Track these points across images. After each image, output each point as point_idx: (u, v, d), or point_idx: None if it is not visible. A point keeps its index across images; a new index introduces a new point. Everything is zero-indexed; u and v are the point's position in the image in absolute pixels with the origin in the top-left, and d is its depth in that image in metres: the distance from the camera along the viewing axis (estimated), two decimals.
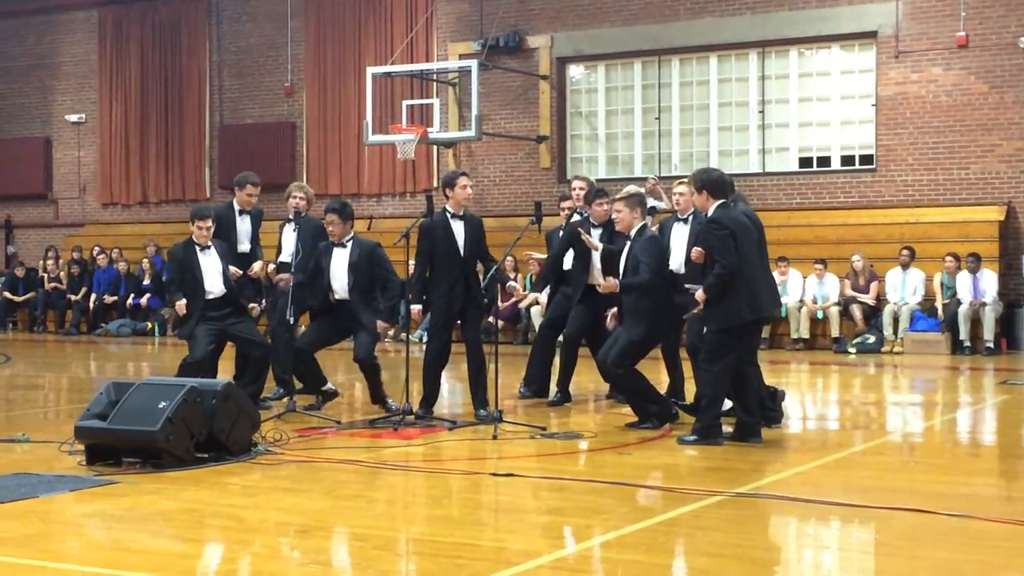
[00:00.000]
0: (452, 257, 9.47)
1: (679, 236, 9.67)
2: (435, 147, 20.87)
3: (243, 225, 10.61)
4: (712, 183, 8.45)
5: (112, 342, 20.05)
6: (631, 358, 9.01)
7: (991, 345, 16.20)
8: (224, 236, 10.25)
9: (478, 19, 20.64)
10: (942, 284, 16.74)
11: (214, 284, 9.85)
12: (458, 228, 9.49)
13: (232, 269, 10.08)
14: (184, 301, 9.75)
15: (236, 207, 10.61)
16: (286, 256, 10.33)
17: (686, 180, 9.32)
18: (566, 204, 10.91)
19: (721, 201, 8.40)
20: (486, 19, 20.45)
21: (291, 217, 10.41)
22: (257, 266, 10.52)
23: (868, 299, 17.01)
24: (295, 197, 10.66)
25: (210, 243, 9.93)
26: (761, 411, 8.64)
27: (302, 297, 9.94)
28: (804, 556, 5.65)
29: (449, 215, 9.53)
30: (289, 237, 10.40)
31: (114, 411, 7.41)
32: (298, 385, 10.24)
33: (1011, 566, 5.21)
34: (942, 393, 12.73)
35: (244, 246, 10.59)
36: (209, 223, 9.92)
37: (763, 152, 19.18)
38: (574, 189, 10.94)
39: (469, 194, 9.60)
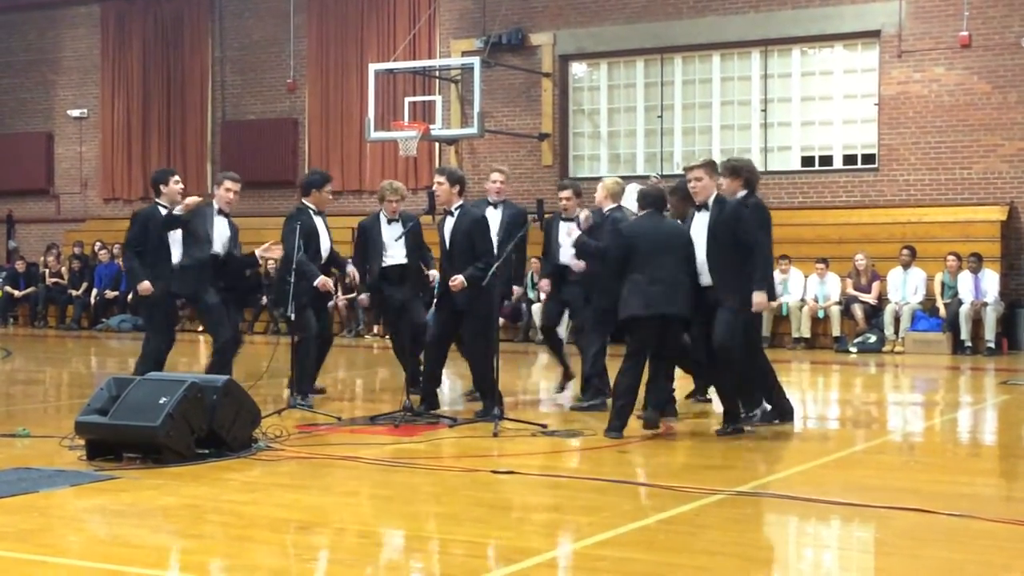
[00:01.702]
0: (442, 253, 9.52)
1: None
2: (437, 144, 20.86)
3: (219, 227, 10.13)
4: (744, 171, 8.78)
5: (113, 337, 20.06)
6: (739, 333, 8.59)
7: (992, 345, 16.19)
8: (200, 232, 9.98)
9: (481, 16, 20.63)
10: (943, 284, 16.73)
11: (176, 252, 9.86)
12: (448, 224, 9.48)
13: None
14: (147, 284, 9.72)
15: (215, 206, 10.16)
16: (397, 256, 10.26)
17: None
18: (564, 195, 10.79)
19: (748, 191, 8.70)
20: (489, 16, 20.44)
21: (391, 218, 10.34)
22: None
23: (869, 298, 17.00)
24: (391, 201, 10.41)
25: (177, 209, 9.91)
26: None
27: (302, 292, 9.97)
28: (804, 555, 5.64)
29: (444, 211, 9.55)
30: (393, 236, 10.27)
31: (115, 406, 7.40)
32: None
33: (1012, 566, 5.21)
34: (943, 393, 12.72)
35: (216, 247, 10.06)
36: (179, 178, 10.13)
37: (765, 151, 19.17)
38: (495, 182, 10.76)
39: (435, 190, 9.51)
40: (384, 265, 10.29)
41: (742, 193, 9.00)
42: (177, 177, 10.15)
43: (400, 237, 10.11)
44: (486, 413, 9.17)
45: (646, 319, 8.46)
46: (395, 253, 10.27)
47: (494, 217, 10.51)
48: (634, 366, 8.52)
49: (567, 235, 10.27)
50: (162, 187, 10.14)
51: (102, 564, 5.13)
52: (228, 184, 10.24)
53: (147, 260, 9.91)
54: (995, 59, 17.56)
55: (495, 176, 10.80)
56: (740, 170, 9.09)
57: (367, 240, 10.40)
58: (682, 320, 8.62)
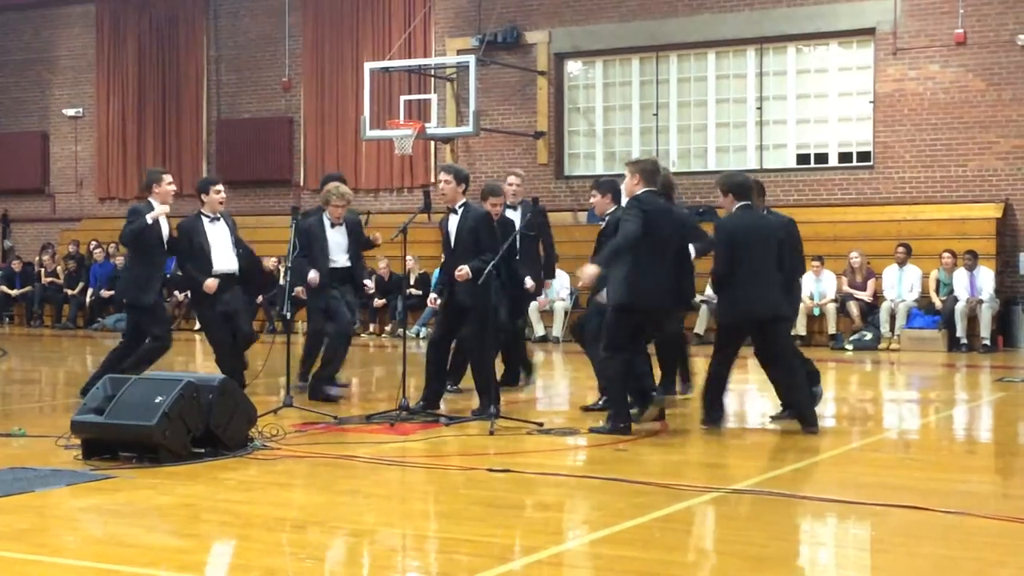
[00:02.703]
0: (446, 251, 9.52)
1: None
2: (432, 143, 20.86)
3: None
4: (736, 186, 8.76)
5: (109, 337, 20.01)
6: None
7: (987, 342, 16.21)
8: (199, 246, 10.06)
9: (476, 14, 20.63)
10: (939, 281, 16.75)
11: (223, 260, 9.92)
12: (452, 223, 9.49)
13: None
14: (214, 281, 9.89)
15: (208, 214, 10.23)
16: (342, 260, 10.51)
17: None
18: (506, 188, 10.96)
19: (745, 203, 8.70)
20: (484, 14, 20.44)
21: (334, 222, 10.52)
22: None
23: (865, 296, 17.02)
24: (337, 206, 10.55)
25: (220, 214, 10.02)
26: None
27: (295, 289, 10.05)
28: (800, 552, 5.65)
29: (447, 209, 9.56)
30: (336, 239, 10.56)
31: (111, 406, 7.40)
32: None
33: (1007, 563, 5.21)
34: (938, 390, 12.73)
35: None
36: (222, 187, 10.12)
37: (761, 149, 19.18)
38: (511, 185, 11.02)
39: (441, 188, 9.54)
40: (330, 267, 10.49)
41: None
42: (219, 186, 10.18)
43: (356, 259, 10.56)
44: (482, 411, 9.17)
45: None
46: (339, 257, 10.53)
47: (514, 218, 10.79)
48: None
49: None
50: (203, 196, 10.17)
51: (98, 564, 5.13)
52: (218, 187, 10.26)
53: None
54: (990, 56, 17.58)
55: (511, 179, 11.10)
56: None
57: (310, 242, 10.48)
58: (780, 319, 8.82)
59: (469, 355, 9.66)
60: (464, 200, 9.52)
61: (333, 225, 10.53)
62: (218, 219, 10.16)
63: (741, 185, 8.82)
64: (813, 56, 19.06)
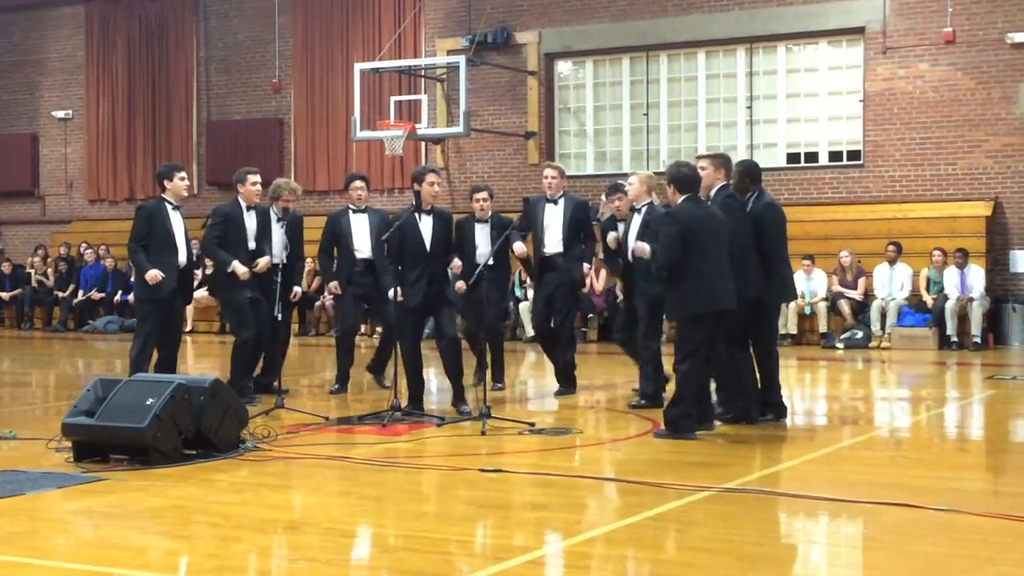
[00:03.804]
0: (417, 252, 9.43)
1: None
2: (423, 143, 20.85)
3: (250, 222, 10.38)
4: (680, 178, 8.49)
5: (99, 339, 20.00)
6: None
7: (978, 340, 16.24)
8: (163, 232, 9.72)
9: (466, 15, 20.62)
10: (929, 279, 16.79)
11: (184, 252, 9.73)
12: (425, 224, 9.47)
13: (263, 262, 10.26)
14: (157, 272, 9.45)
15: (243, 204, 10.37)
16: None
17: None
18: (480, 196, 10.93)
19: (688, 195, 8.45)
20: (474, 15, 20.43)
21: (280, 216, 10.49)
22: (263, 261, 10.22)
23: (856, 294, 17.05)
24: (288, 200, 10.62)
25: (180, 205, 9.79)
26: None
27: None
28: (793, 551, 5.66)
29: (417, 208, 9.53)
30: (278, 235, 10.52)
31: (101, 408, 7.39)
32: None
33: (998, 560, 5.23)
34: (929, 388, 12.75)
35: (251, 243, 10.35)
36: (185, 174, 9.86)
37: (751, 148, 19.19)
38: (546, 178, 10.96)
39: (436, 191, 9.54)
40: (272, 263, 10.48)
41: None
42: (183, 173, 9.94)
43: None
44: (468, 412, 9.28)
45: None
46: (279, 252, 10.50)
47: (556, 213, 10.78)
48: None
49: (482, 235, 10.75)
50: (166, 182, 9.92)
51: (90, 566, 5.12)
52: (183, 174, 9.90)
53: (151, 256, 9.67)
54: (979, 55, 17.62)
55: (548, 172, 11.04)
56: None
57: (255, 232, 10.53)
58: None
59: (446, 356, 9.67)
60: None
61: (279, 219, 10.50)
62: (178, 209, 9.81)
63: (687, 178, 8.51)
64: (803, 55, 19.09)
